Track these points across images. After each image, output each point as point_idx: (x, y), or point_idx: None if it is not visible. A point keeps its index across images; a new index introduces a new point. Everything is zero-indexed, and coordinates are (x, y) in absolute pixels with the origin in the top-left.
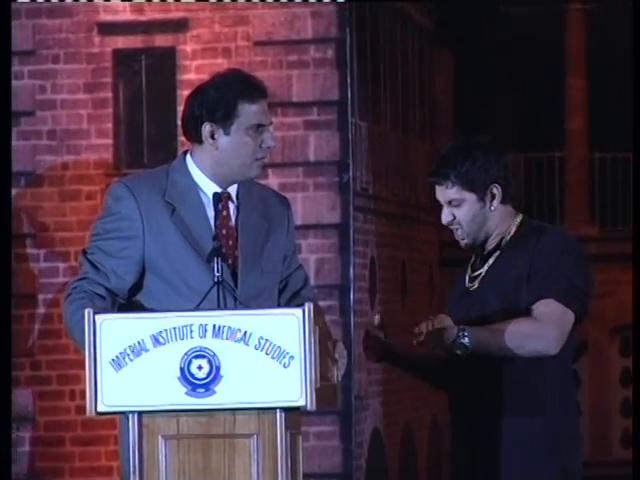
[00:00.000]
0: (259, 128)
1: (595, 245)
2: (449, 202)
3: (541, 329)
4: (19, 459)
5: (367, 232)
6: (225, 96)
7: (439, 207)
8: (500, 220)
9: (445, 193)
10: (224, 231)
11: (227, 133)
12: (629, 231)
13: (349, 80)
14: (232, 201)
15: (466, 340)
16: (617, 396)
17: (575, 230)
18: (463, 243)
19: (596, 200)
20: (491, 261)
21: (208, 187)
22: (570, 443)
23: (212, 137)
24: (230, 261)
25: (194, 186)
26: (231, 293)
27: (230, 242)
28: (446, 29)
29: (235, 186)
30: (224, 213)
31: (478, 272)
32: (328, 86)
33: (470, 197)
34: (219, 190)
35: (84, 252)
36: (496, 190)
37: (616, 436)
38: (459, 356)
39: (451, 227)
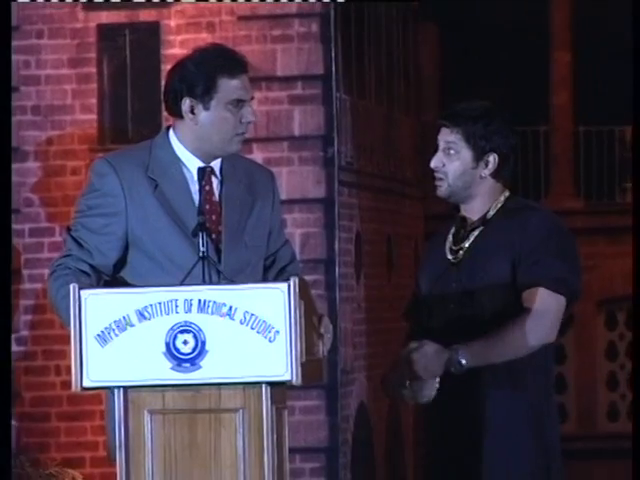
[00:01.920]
0: (239, 103)
1: (580, 218)
2: (446, 148)
3: (536, 324)
4: None
5: (352, 206)
6: (204, 71)
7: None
8: (487, 193)
9: (447, 136)
10: (207, 206)
11: (207, 108)
12: (614, 204)
13: (333, 54)
14: (215, 176)
15: (462, 360)
16: (603, 370)
17: (560, 204)
18: (440, 192)
19: (581, 174)
20: (474, 235)
21: (191, 162)
22: (551, 419)
23: (192, 112)
24: (214, 236)
25: (177, 161)
26: (215, 268)
27: (214, 217)
28: (430, 3)
29: (219, 160)
30: (207, 188)
31: (461, 245)
32: (312, 60)
33: (466, 153)
34: (202, 165)
35: (68, 229)
36: (492, 159)
37: (602, 410)
38: (439, 335)
39: (435, 174)
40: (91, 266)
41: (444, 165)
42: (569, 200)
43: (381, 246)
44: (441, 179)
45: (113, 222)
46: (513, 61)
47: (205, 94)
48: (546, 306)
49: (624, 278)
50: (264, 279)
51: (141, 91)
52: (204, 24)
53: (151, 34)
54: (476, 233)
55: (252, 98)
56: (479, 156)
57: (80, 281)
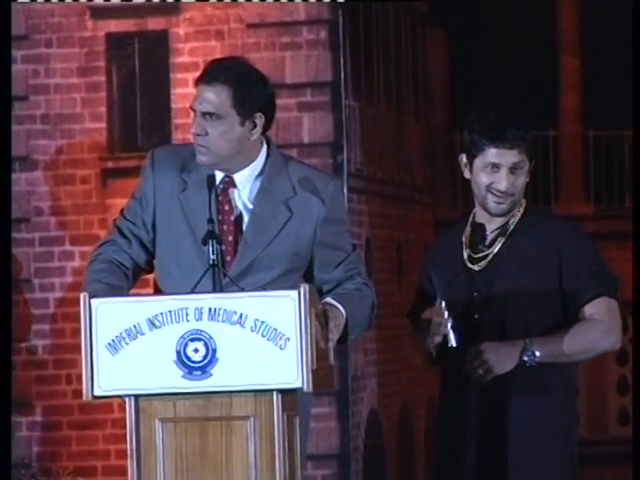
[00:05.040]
0: (194, 112)
1: (590, 223)
2: (513, 168)
3: (605, 330)
4: (17, 444)
5: (362, 213)
6: None
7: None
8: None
9: (513, 157)
10: (220, 216)
11: None
12: (624, 209)
13: (342, 61)
14: (235, 187)
15: (537, 352)
16: (614, 374)
17: (570, 209)
18: (501, 209)
19: (591, 178)
20: (500, 243)
21: (218, 171)
22: (572, 422)
23: None
24: (224, 247)
25: (211, 169)
26: (224, 278)
27: (224, 227)
28: (439, 9)
29: (252, 170)
30: (220, 198)
31: (484, 253)
32: (321, 67)
33: (527, 164)
34: (222, 174)
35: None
36: (532, 163)
37: (613, 414)
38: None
39: (502, 194)
40: (131, 257)
41: (514, 186)
42: (579, 205)
43: (391, 252)
44: (509, 197)
45: (145, 220)
46: (521, 66)
47: None
48: (614, 313)
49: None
50: None
51: (150, 99)
52: (213, 32)
53: (160, 42)
54: (500, 243)
55: (205, 113)
56: (531, 165)
57: (115, 275)
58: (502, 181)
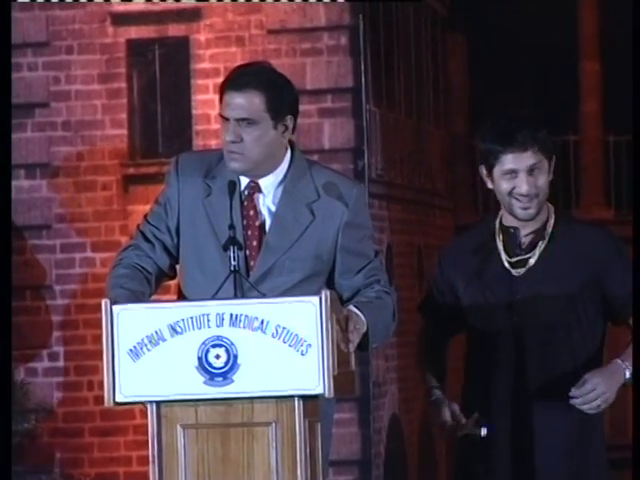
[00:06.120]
0: (224, 120)
1: (611, 228)
2: (530, 170)
3: None
4: (38, 450)
5: (383, 219)
6: None
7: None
8: (545, 200)
9: (529, 159)
10: (245, 221)
11: None
12: None
13: (363, 67)
14: (260, 192)
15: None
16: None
17: (590, 213)
18: (528, 214)
19: (611, 183)
20: (540, 249)
21: (243, 177)
22: (600, 426)
23: None
24: (248, 252)
25: (235, 174)
26: (245, 283)
27: (249, 232)
28: (459, 14)
29: (275, 176)
30: (245, 204)
31: (523, 257)
32: (342, 73)
33: (546, 163)
34: (248, 180)
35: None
36: (553, 160)
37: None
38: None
39: (525, 198)
40: (154, 262)
41: (536, 187)
42: (600, 210)
43: (412, 258)
44: (532, 200)
45: (170, 225)
46: (542, 71)
47: None
48: None
49: None
50: None
51: (171, 105)
52: (233, 38)
53: (180, 48)
54: (540, 247)
55: (239, 119)
56: (551, 162)
57: (135, 280)
58: (522, 185)
